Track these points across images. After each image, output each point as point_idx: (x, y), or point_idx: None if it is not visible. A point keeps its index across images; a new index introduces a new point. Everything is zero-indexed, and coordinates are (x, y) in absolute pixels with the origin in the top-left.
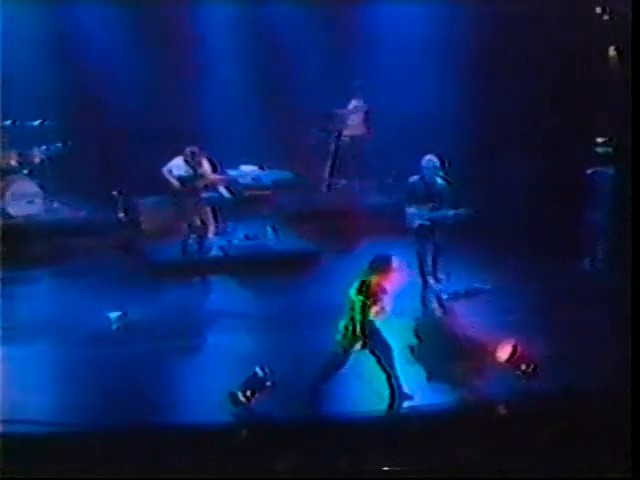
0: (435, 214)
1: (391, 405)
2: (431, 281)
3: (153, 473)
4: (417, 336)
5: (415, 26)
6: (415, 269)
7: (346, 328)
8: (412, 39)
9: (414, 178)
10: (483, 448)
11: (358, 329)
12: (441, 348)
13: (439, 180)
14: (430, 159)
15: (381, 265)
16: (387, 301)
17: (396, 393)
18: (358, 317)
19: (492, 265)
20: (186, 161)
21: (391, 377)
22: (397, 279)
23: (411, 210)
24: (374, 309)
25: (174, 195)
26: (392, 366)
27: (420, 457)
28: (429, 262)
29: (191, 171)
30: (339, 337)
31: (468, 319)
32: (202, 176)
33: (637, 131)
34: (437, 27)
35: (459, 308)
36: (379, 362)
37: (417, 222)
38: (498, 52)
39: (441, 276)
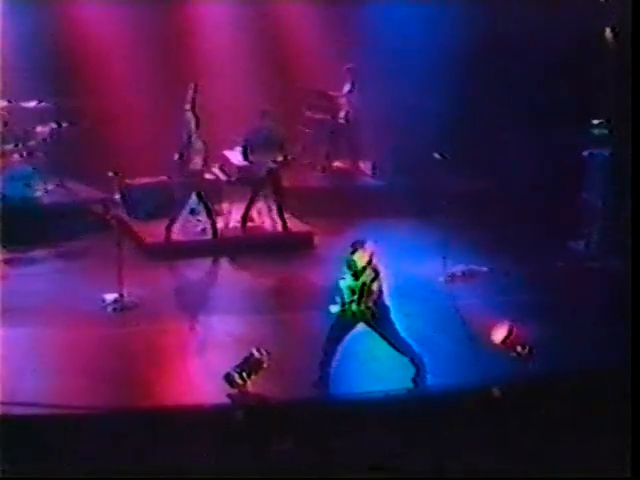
0: None
1: (416, 380)
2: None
3: (149, 454)
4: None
5: (410, 11)
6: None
7: (353, 291)
8: (406, 22)
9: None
10: (480, 431)
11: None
12: (435, 330)
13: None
14: None
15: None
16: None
17: (420, 368)
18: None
19: (488, 247)
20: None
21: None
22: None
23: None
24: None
25: (169, 177)
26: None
27: (416, 439)
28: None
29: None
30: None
31: (464, 301)
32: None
33: (636, 113)
34: (432, 5)
35: (455, 290)
36: (387, 340)
37: (267, 167)
38: (496, 34)
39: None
